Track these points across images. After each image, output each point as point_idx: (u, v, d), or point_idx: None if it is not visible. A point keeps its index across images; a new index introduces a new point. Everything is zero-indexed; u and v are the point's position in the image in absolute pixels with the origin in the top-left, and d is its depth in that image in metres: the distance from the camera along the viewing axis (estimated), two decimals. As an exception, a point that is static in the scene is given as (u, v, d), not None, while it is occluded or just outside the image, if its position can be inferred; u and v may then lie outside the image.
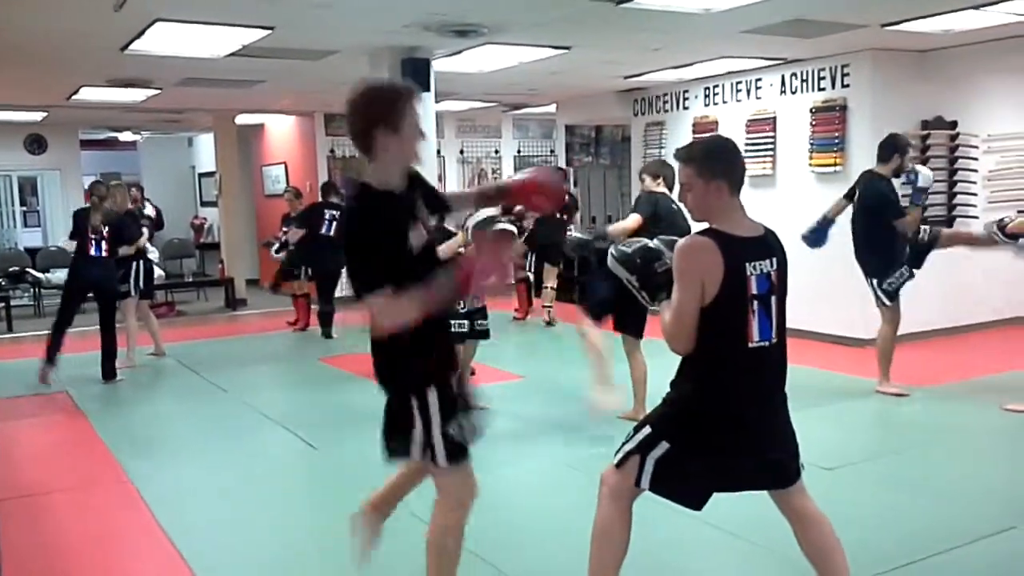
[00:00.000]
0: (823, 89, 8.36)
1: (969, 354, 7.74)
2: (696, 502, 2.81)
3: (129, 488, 4.82)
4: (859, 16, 6.48)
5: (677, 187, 3.02)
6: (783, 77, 8.74)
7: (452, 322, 5.49)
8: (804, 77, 8.53)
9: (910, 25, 6.70)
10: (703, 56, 8.20)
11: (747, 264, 2.67)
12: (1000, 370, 6.93)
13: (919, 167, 6.34)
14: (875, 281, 6.20)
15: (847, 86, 8.14)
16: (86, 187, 13.54)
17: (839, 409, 6.13)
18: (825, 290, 7.97)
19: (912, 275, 6.18)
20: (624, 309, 5.62)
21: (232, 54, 7.13)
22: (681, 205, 5.52)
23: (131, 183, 10.79)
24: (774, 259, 2.75)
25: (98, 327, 7.44)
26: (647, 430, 2.79)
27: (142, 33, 6.28)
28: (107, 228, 7.40)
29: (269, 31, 6.34)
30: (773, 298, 2.72)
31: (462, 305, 5.58)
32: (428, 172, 7.60)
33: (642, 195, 5.88)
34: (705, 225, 2.77)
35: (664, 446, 2.73)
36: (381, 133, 2.65)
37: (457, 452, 2.77)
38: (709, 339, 2.68)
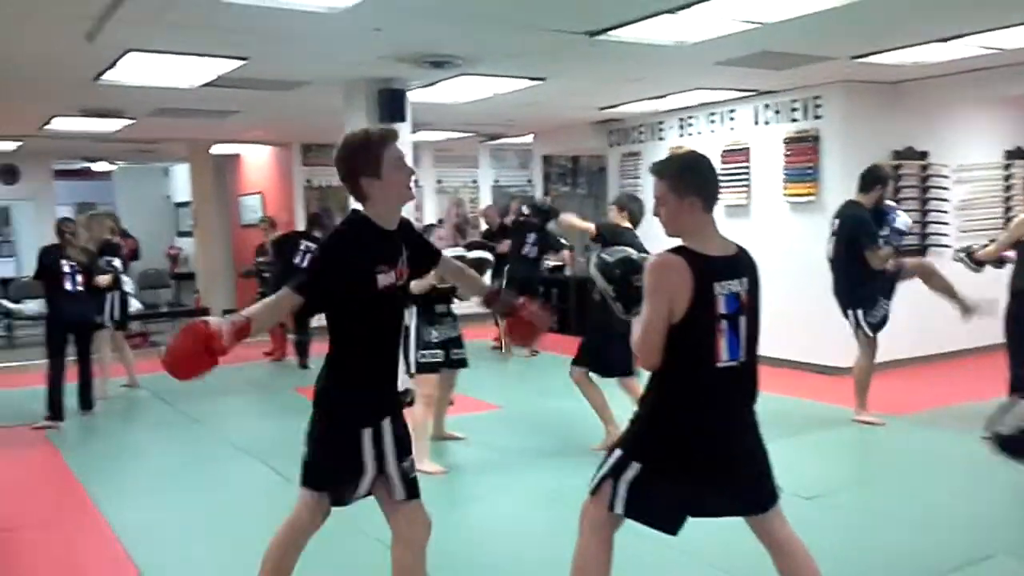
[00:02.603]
0: (796, 120, 8.46)
1: (946, 382, 7.79)
2: (670, 526, 2.77)
3: (100, 521, 4.74)
4: (828, 49, 6.58)
5: (651, 207, 3.01)
6: (756, 108, 8.84)
7: (425, 352, 5.51)
8: (777, 108, 8.63)
9: (879, 57, 6.80)
10: (677, 88, 8.28)
11: (716, 283, 2.67)
12: (977, 398, 6.96)
13: (899, 211, 6.38)
14: (860, 312, 6.19)
15: (819, 117, 8.24)
16: (60, 217, 13.50)
17: (817, 438, 6.14)
18: (801, 318, 8.01)
19: (888, 310, 6.22)
20: (589, 343, 5.67)
21: (206, 84, 7.12)
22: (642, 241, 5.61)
23: (108, 214, 10.70)
24: (745, 279, 2.75)
25: (75, 358, 7.34)
26: (618, 452, 2.79)
27: (115, 63, 6.26)
28: (85, 262, 7.30)
29: (243, 62, 6.33)
30: (742, 318, 2.72)
31: (434, 334, 5.54)
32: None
33: (607, 223, 5.92)
34: (678, 241, 2.77)
35: (635, 467, 2.72)
36: (365, 181, 2.78)
37: (411, 488, 2.86)
38: (677, 357, 2.68)
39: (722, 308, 2.68)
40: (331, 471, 2.87)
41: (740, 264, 2.79)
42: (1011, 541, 4.20)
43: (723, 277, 2.70)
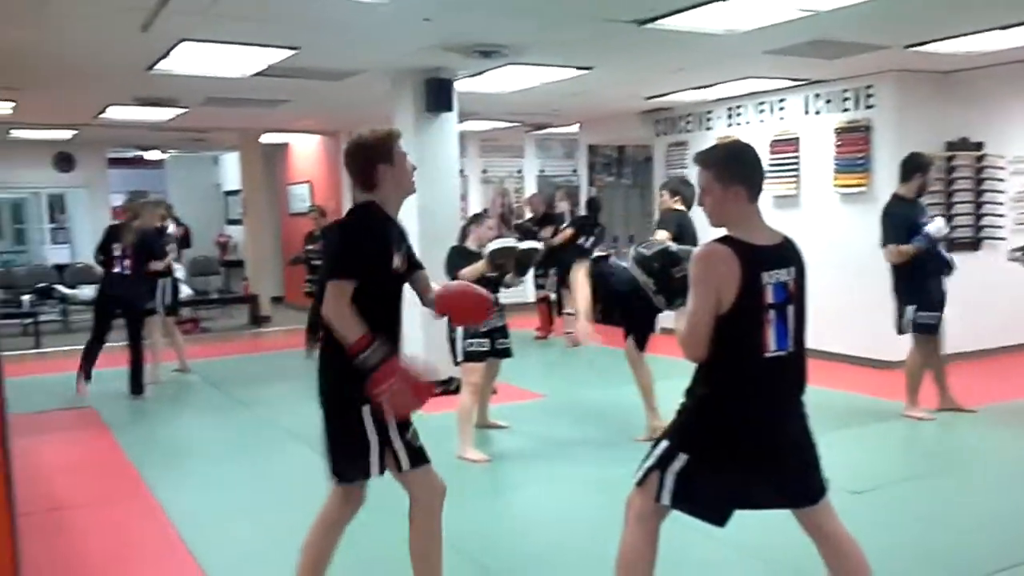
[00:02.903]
0: (847, 110, 8.33)
1: (999, 378, 7.64)
2: (718, 517, 2.76)
3: (152, 503, 4.85)
4: (882, 37, 6.46)
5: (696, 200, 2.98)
6: (807, 98, 8.72)
7: (472, 341, 5.54)
8: (828, 98, 8.51)
9: (934, 46, 6.67)
10: (726, 77, 8.19)
11: (764, 273, 2.66)
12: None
13: (938, 218, 6.24)
14: (911, 309, 6.09)
15: (871, 107, 8.11)
16: (114, 204, 13.78)
17: (865, 432, 6.07)
18: (851, 311, 7.92)
19: (941, 316, 6.11)
20: (633, 315, 5.61)
21: (257, 74, 7.21)
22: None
23: (159, 201, 10.91)
24: (792, 268, 2.73)
25: (125, 343, 7.52)
26: (665, 443, 2.77)
27: (168, 53, 6.37)
28: (132, 246, 7.50)
29: (294, 51, 6.40)
30: (790, 307, 2.70)
31: (481, 323, 5.57)
32: (450, 192, 7.68)
33: (664, 212, 5.87)
34: (722, 231, 2.75)
35: (683, 458, 2.70)
36: (382, 167, 3.04)
37: (418, 456, 3.01)
38: (725, 348, 2.66)
39: (770, 298, 2.66)
40: (345, 457, 3.03)
41: (787, 253, 2.77)
42: (1064, 541, 4.12)
43: (771, 267, 2.68)
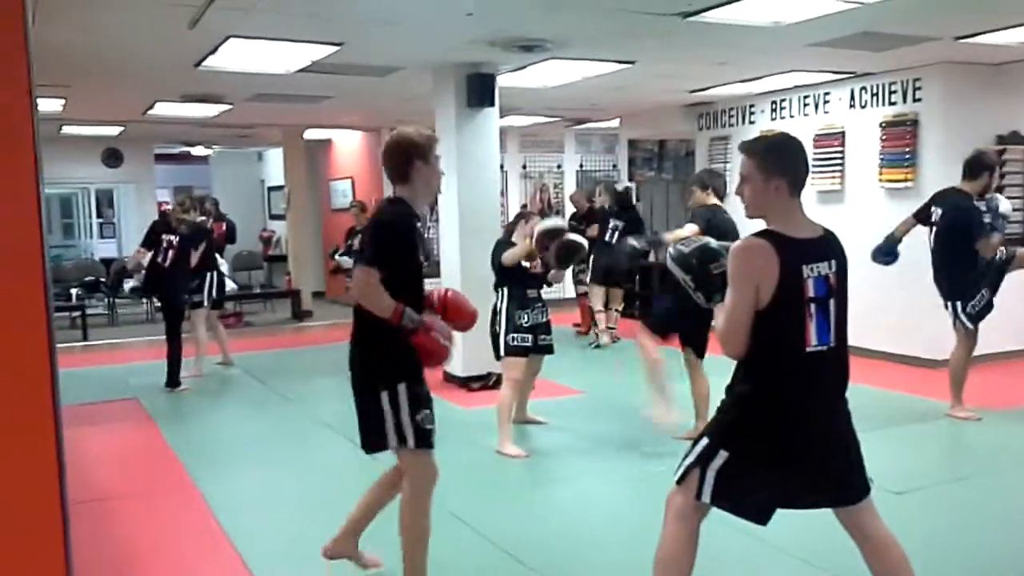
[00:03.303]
0: (894, 103, 8.19)
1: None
2: (760, 515, 2.73)
3: (195, 494, 4.93)
4: (931, 29, 6.34)
5: (733, 186, 2.95)
6: (852, 91, 8.59)
7: (515, 336, 5.55)
8: (874, 91, 8.37)
9: (984, 38, 6.52)
10: (770, 70, 8.10)
11: (804, 266, 2.63)
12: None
13: (997, 195, 6.15)
14: (958, 304, 5.99)
15: (919, 100, 7.96)
16: (160, 199, 14.01)
17: (909, 431, 5.97)
18: (896, 309, 7.79)
19: (992, 300, 6.00)
20: (688, 325, 5.56)
21: (301, 70, 7.27)
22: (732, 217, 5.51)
23: (206, 196, 11.08)
24: (833, 261, 2.70)
25: (165, 336, 7.65)
26: (705, 441, 2.75)
27: (215, 50, 6.45)
28: (177, 239, 7.63)
29: (338, 47, 6.45)
30: (832, 301, 2.68)
31: (525, 319, 5.57)
32: (491, 187, 7.68)
33: (696, 207, 5.80)
34: (760, 223, 2.72)
35: (723, 455, 2.68)
36: (418, 163, 3.30)
37: (425, 438, 3.28)
38: (765, 343, 2.63)
39: (811, 291, 2.63)
40: (368, 432, 3.36)
41: (828, 246, 2.74)
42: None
43: (811, 260, 2.65)
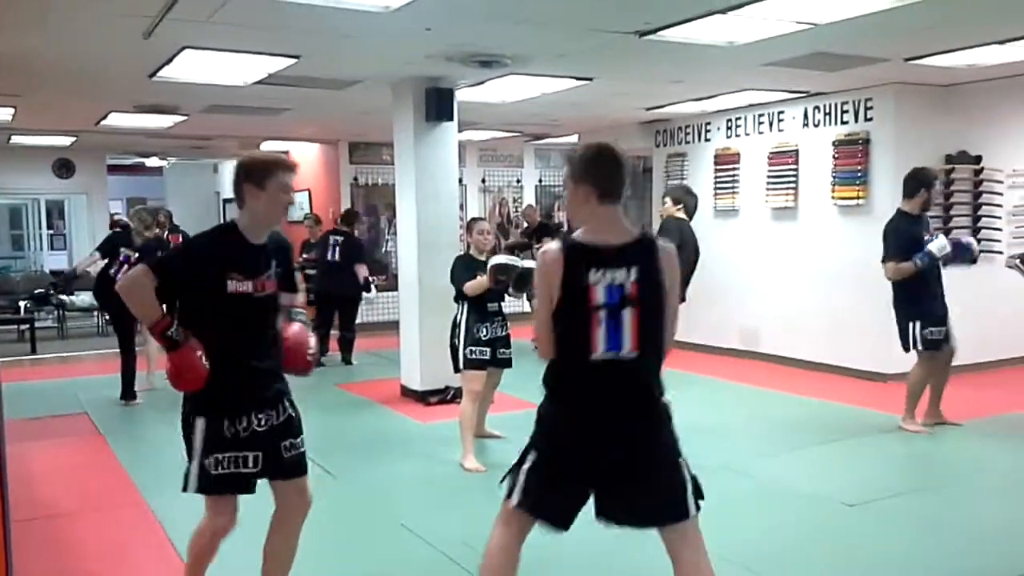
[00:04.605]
0: (846, 122, 8.35)
1: (997, 390, 7.63)
2: (558, 519, 2.68)
3: (145, 510, 4.84)
4: (882, 50, 6.48)
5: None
6: (806, 110, 8.74)
7: (474, 349, 5.53)
8: (827, 110, 8.53)
9: (933, 60, 6.69)
10: (725, 88, 8.21)
11: (592, 272, 2.59)
12: (1025, 407, 6.84)
13: (942, 236, 6.25)
14: (916, 324, 6.07)
15: (870, 119, 8.13)
16: (113, 211, 13.78)
17: (861, 444, 6.05)
18: (849, 323, 7.91)
19: (946, 330, 6.11)
20: None
21: (258, 82, 7.22)
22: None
23: (159, 209, 10.93)
24: (635, 268, 2.61)
25: (118, 349, 7.51)
26: (526, 442, 2.76)
27: (170, 60, 6.38)
28: (136, 255, 7.49)
29: (295, 60, 6.41)
30: (628, 310, 2.59)
31: (484, 332, 5.55)
32: (449, 201, 7.68)
33: (666, 220, 5.85)
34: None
35: (531, 457, 2.69)
36: (250, 187, 3.02)
37: (206, 486, 3.04)
38: (558, 346, 2.66)
39: (600, 298, 2.58)
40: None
41: (631, 254, 2.63)
42: (1060, 555, 4.11)
43: (604, 266, 2.59)
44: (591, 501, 2.67)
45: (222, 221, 15.10)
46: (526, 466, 2.68)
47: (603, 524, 2.69)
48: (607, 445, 2.60)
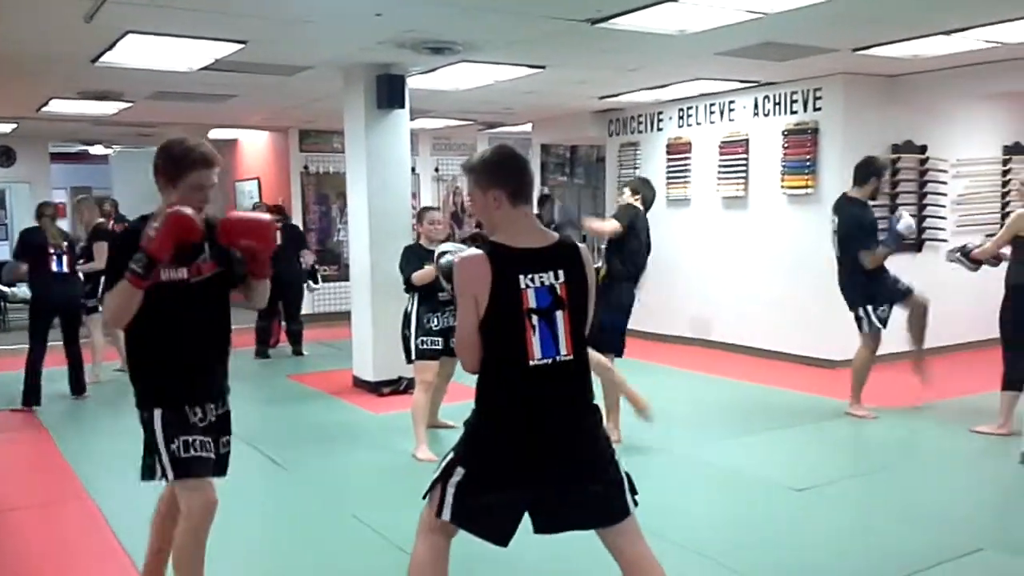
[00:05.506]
0: (795, 112, 8.44)
1: (939, 376, 7.77)
2: (498, 536, 2.61)
3: (90, 506, 4.74)
4: (830, 40, 6.55)
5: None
6: (756, 100, 8.82)
7: (425, 339, 5.49)
8: (777, 100, 8.61)
9: (880, 50, 6.78)
10: (677, 78, 8.25)
11: (521, 276, 2.53)
12: (969, 392, 6.98)
13: (905, 214, 6.37)
14: (869, 307, 6.17)
15: (819, 109, 8.22)
16: (57, 201, 13.45)
17: (810, 431, 6.14)
18: (797, 311, 8.01)
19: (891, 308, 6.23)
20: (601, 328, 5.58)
21: (204, 68, 7.08)
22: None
23: (105, 198, 10.70)
24: (562, 271, 2.58)
25: (62, 343, 7.32)
26: (450, 455, 2.64)
27: (113, 45, 6.22)
28: (67, 244, 7.29)
29: (242, 45, 6.29)
30: (560, 312, 2.56)
31: (435, 322, 5.53)
32: (401, 189, 7.62)
33: (621, 207, 5.87)
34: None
35: (460, 472, 2.57)
36: (162, 183, 2.98)
37: (184, 467, 2.95)
38: (489, 356, 2.57)
39: (532, 302, 2.53)
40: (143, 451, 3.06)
41: (555, 256, 2.60)
42: (999, 535, 4.22)
43: (532, 269, 2.55)
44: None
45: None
46: (454, 480, 2.57)
47: (543, 534, 2.64)
48: (550, 452, 2.55)
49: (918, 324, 6.34)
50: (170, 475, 2.96)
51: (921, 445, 5.82)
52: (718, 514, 4.53)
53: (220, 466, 3.13)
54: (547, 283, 2.55)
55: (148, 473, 3.05)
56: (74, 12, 5.31)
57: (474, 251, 2.61)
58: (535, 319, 2.53)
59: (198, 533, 3.04)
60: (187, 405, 2.99)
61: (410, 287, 5.53)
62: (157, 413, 2.95)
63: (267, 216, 3.34)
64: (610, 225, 5.68)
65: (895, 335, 6.50)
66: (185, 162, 2.96)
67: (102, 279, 7.90)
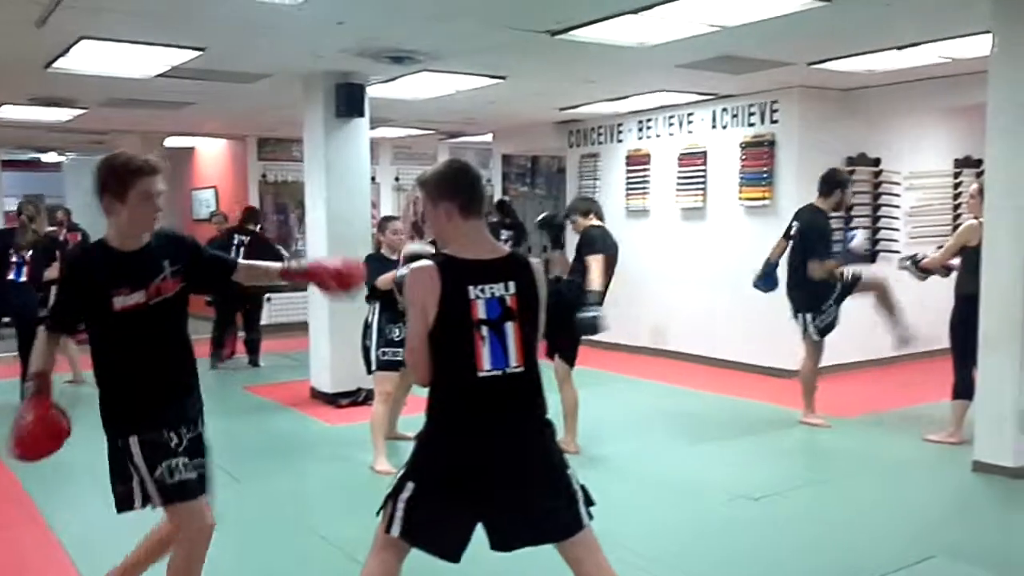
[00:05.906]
0: (753, 124, 8.54)
1: (891, 386, 7.91)
2: (448, 552, 2.58)
3: (43, 527, 4.61)
4: (786, 54, 6.64)
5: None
6: (714, 112, 8.91)
7: (386, 351, 5.45)
8: (734, 112, 8.71)
9: (835, 64, 6.89)
10: (637, 89, 8.31)
11: (471, 287, 2.53)
12: (921, 401, 7.09)
13: (860, 233, 6.47)
14: (809, 316, 6.28)
15: (776, 122, 8.33)
16: (7, 209, 13.17)
17: (766, 440, 6.20)
18: (753, 321, 8.07)
19: (837, 316, 6.31)
20: (559, 334, 5.58)
21: (160, 75, 6.99)
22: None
23: (58, 206, 10.50)
24: (512, 283, 2.58)
25: (16, 353, 7.15)
26: (403, 469, 2.63)
27: (66, 51, 6.12)
28: (31, 252, 7.14)
29: (200, 52, 6.22)
30: (510, 324, 2.56)
31: (397, 333, 5.48)
32: (361, 199, 7.57)
33: (588, 232, 5.75)
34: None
35: (410, 487, 2.56)
36: (108, 200, 2.84)
37: (172, 492, 2.87)
38: (439, 368, 2.57)
39: (481, 313, 2.53)
40: (112, 482, 2.98)
41: (506, 267, 2.62)
42: (951, 542, 4.27)
43: (481, 281, 2.55)
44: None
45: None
46: (404, 495, 2.55)
47: (498, 551, 2.61)
48: (499, 464, 2.54)
49: (885, 303, 6.33)
50: (158, 501, 2.88)
51: (874, 454, 5.89)
52: (674, 523, 4.54)
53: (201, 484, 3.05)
54: (497, 294, 2.55)
55: (126, 503, 2.94)
56: (25, 17, 5.22)
57: (424, 262, 2.60)
58: (484, 330, 2.53)
59: (190, 560, 2.99)
60: (164, 429, 2.89)
61: (372, 297, 5.49)
62: (133, 440, 2.85)
63: (361, 266, 3.36)
64: (598, 263, 5.57)
65: (849, 344, 6.59)
66: (129, 172, 2.83)
67: (53, 289, 7.81)
